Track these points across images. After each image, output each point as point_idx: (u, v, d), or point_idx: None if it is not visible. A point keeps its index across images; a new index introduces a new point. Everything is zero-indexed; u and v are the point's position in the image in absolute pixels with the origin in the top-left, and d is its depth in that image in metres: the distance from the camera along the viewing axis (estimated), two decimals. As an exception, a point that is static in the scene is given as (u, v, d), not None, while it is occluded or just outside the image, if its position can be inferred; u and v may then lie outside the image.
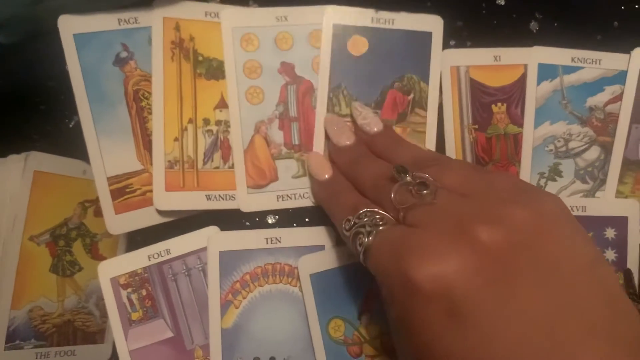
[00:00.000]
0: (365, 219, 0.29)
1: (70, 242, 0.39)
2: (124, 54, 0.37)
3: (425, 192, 0.28)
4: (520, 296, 0.24)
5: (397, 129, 0.39)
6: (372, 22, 0.39)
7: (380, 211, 0.30)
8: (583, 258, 0.25)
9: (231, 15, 0.38)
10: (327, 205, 0.36)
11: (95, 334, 0.40)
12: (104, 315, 0.39)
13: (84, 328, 0.39)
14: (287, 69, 0.39)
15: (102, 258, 0.40)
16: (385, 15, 0.39)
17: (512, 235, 0.25)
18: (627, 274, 0.38)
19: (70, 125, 0.39)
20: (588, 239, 0.27)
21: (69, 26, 0.36)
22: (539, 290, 0.24)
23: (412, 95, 0.39)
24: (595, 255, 0.26)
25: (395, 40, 0.39)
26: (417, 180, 0.28)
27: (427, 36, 0.39)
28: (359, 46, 0.39)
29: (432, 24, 0.39)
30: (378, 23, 0.39)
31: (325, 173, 0.37)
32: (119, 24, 0.37)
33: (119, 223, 0.37)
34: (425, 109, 0.39)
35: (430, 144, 0.39)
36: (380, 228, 0.28)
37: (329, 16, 0.39)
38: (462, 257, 0.25)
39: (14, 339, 0.36)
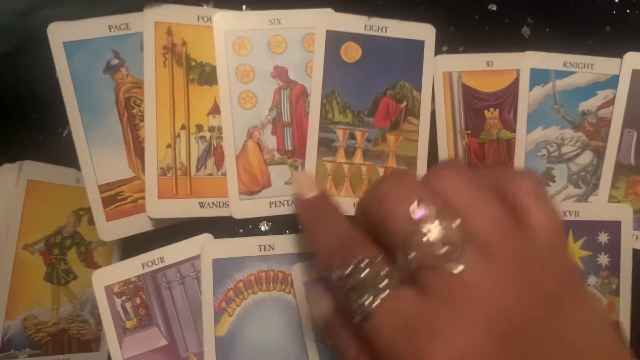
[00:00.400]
0: (366, 271, 0.25)
1: (65, 250, 0.39)
2: (114, 61, 0.37)
3: (451, 253, 0.23)
4: None
5: (390, 137, 0.39)
6: (366, 29, 0.39)
7: (384, 263, 0.25)
8: (605, 322, 0.24)
9: (223, 18, 0.38)
10: (308, 229, 0.31)
11: (90, 342, 0.40)
12: (99, 323, 0.39)
13: (79, 336, 0.39)
14: (280, 73, 0.39)
15: (97, 266, 0.40)
16: (378, 22, 0.39)
17: (545, 310, 0.23)
18: (616, 327, 0.37)
19: (64, 134, 0.39)
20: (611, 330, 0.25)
21: (59, 34, 0.36)
22: None
23: (404, 103, 0.39)
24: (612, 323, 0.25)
25: (389, 48, 0.39)
26: (439, 237, 0.23)
27: (419, 45, 0.39)
28: (352, 53, 0.39)
29: (424, 32, 0.39)
30: (371, 30, 0.39)
31: (311, 191, 0.32)
32: (110, 31, 0.37)
33: (110, 230, 0.37)
34: (417, 117, 0.39)
35: (422, 152, 0.39)
36: (386, 293, 0.24)
37: (322, 22, 0.38)
38: (492, 344, 0.22)
39: (8, 348, 0.36)
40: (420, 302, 0.24)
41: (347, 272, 0.25)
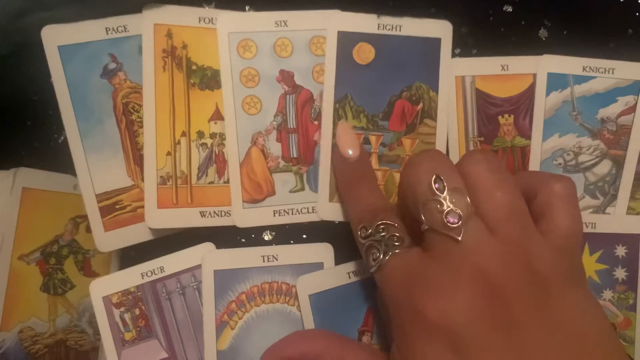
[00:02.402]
0: (383, 234, 0.30)
1: (62, 259, 0.38)
2: (112, 65, 0.36)
3: (456, 222, 0.27)
4: (530, 351, 0.24)
5: (406, 141, 0.37)
6: (379, 28, 0.37)
7: (399, 228, 0.30)
8: (601, 328, 0.26)
9: (228, 19, 0.37)
10: (344, 193, 0.35)
11: (89, 352, 0.39)
12: (98, 333, 0.38)
13: (76, 347, 0.38)
14: (285, 77, 0.37)
15: (95, 275, 0.39)
16: (392, 21, 0.37)
17: (532, 289, 0.26)
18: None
19: (60, 141, 0.38)
20: (602, 310, 0.28)
21: (53, 38, 0.34)
22: (549, 352, 0.25)
23: (421, 105, 0.37)
24: (611, 329, 0.27)
25: (403, 47, 0.37)
26: (449, 207, 0.27)
27: (435, 42, 0.37)
28: (365, 54, 0.37)
29: (440, 29, 0.37)
30: (385, 30, 0.37)
31: (351, 148, 0.35)
32: (107, 33, 0.36)
33: (108, 240, 0.36)
34: (434, 119, 0.38)
35: None
36: (397, 251, 0.29)
37: (334, 23, 0.37)
38: (475, 300, 0.25)
39: (3, 361, 0.36)
40: (424, 261, 0.28)
41: (369, 231, 0.30)
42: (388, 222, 0.30)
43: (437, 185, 0.28)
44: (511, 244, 0.27)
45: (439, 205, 0.27)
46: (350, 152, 0.35)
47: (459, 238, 0.26)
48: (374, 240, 0.30)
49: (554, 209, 0.29)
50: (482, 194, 0.28)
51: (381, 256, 0.29)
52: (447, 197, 0.27)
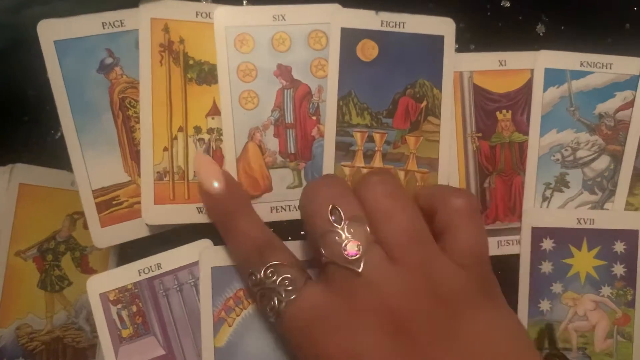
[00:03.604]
0: (273, 278, 0.28)
1: (59, 256, 0.38)
2: (108, 60, 0.36)
3: (355, 254, 0.26)
4: None
5: (410, 139, 0.37)
6: (382, 25, 0.37)
7: (289, 266, 0.29)
8: (517, 341, 0.27)
9: (225, 13, 0.36)
10: (221, 232, 0.33)
11: (86, 349, 0.39)
12: (95, 330, 0.38)
13: (73, 344, 0.38)
14: (283, 72, 0.37)
15: (92, 271, 0.39)
16: (395, 18, 0.37)
17: (439, 318, 0.25)
18: (549, 329, 0.37)
19: (57, 137, 0.38)
20: (518, 321, 0.28)
21: (49, 32, 0.34)
22: None
23: (425, 103, 0.37)
24: (528, 338, 0.28)
25: (407, 44, 0.37)
26: (347, 239, 0.27)
27: (439, 40, 0.37)
28: (369, 51, 0.37)
29: (444, 27, 0.37)
30: (388, 27, 0.37)
31: (215, 180, 0.32)
32: (103, 28, 0.36)
33: (105, 236, 0.36)
34: (438, 117, 0.38)
35: (444, 153, 0.37)
36: (292, 297, 0.28)
37: (337, 20, 0.37)
38: (381, 338, 0.25)
39: (0, 358, 0.35)
40: (325, 298, 0.27)
41: (258, 278, 0.29)
42: (276, 262, 0.29)
43: (334, 217, 0.27)
44: (413, 270, 0.26)
45: (337, 237, 0.27)
46: (216, 184, 0.32)
47: (359, 270, 0.26)
48: (265, 289, 0.29)
49: (454, 226, 0.28)
50: (380, 220, 0.27)
51: (277, 306, 0.28)
52: (345, 228, 0.27)
